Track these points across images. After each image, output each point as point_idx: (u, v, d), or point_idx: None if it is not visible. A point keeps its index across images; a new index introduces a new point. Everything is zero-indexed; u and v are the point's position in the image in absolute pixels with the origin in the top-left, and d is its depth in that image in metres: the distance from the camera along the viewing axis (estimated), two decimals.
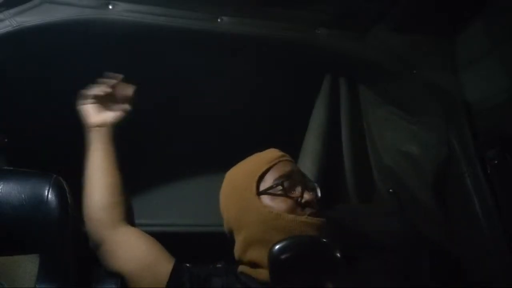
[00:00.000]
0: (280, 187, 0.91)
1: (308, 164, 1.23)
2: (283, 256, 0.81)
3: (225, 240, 0.98)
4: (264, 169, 0.94)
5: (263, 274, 0.87)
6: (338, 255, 0.84)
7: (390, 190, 1.29)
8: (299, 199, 0.91)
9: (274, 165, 0.95)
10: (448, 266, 1.16)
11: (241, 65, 1.21)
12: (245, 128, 1.29)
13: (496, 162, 1.08)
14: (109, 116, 0.97)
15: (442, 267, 1.14)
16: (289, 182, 0.92)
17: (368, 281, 0.97)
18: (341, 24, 1.15)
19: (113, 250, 0.88)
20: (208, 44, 1.11)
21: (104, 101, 0.97)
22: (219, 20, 1.07)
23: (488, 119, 1.12)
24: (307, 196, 0.91)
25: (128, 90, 0.99)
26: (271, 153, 0.99)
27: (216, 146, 1.30)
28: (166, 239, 0.94)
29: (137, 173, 1.24)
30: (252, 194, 0.92)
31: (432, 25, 1.18)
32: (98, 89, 0.95)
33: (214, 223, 1.19)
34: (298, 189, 0.92)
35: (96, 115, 0.96)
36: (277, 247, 0.82)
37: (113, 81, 0.95)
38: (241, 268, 0.93)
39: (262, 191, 0.92)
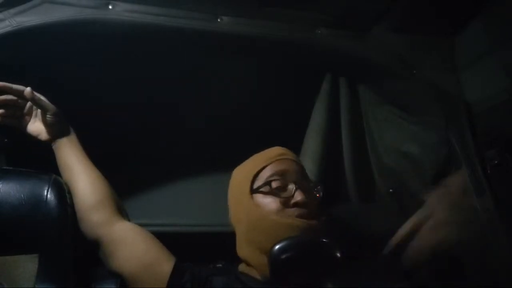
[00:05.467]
0: (268, 186, 0.90)
1: (308, 164, 1.22)
2: (283, 256, 0.81)
3: (225, 240, 0.98)
4: (260, 167, 0.94)
5: (255, 272, 0.88)
6: (338, 255, 0.83)
7: (390, 190, 1.29)
8: (289, 199, 0.89)
9: (270, 163, 0.94)
10: (448, 266, 1.15)
11: (241, 65, 1.21)
12: (245, 128, 1.28)
13: (496, 162, 1.08)
14: (42, 126, 0.95)
15: (442, 267, 1.14)
16: (280, 181, 0.91)
17: (368, 280, 0.96)
18: (341, 24, 1.15)
19: (112, 249, 0.88)
20: (208, 44, 1.11)
21: (25, 114, 0.95)
22: (219, 20, 1.07)
23: (488, 119, 1.12)
24: (298, 196, 0.88)
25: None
26: (271, 151, 0.99)
27: (216, 146, 1.30)
28: (166, 239, 0.94)
29: (137, 173, 1.25)
30: (245, 192, 0.92)
31: (432, 25, 1.18)
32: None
33: (214, 223, 1.19)
34: (291, 189, 0.90)
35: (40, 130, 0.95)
36: (277, 247, 0.82)
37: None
38: (240, 267, 0.93)
39: (255, 189, 0.92)
